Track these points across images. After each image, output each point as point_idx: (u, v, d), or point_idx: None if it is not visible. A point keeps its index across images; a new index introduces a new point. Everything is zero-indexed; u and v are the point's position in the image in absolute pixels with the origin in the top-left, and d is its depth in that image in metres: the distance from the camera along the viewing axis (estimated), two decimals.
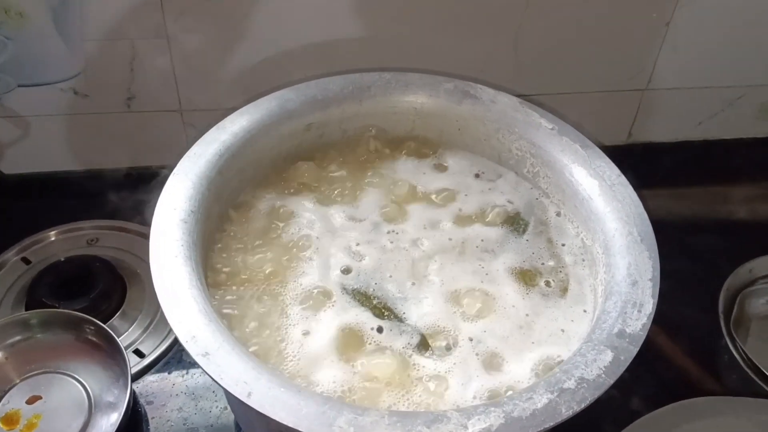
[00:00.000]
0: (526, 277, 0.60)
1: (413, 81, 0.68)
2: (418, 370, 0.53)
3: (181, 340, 0.47)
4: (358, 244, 0.61)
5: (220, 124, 0.63)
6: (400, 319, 0.56)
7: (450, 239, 0.62)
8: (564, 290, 0.59)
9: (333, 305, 0.57)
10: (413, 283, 0.58)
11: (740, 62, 0.90)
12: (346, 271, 0.59)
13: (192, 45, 0.77)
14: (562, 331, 0.56)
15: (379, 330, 0.55)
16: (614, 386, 0.48)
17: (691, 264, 0.84)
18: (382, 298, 0.57)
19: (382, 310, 0.57)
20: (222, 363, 0.46)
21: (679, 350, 0.76)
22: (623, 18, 0.82)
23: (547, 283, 0.59)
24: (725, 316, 0.75)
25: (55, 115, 0.82)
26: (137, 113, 0.83)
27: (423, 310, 0.57)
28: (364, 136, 0.69)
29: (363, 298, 0.57)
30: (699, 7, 0.83)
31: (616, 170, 0.61)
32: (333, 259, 0.60)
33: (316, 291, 0.57)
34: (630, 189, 0.60)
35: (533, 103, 0.68)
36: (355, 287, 0.58)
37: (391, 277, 0.59)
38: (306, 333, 0.55)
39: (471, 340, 0.55)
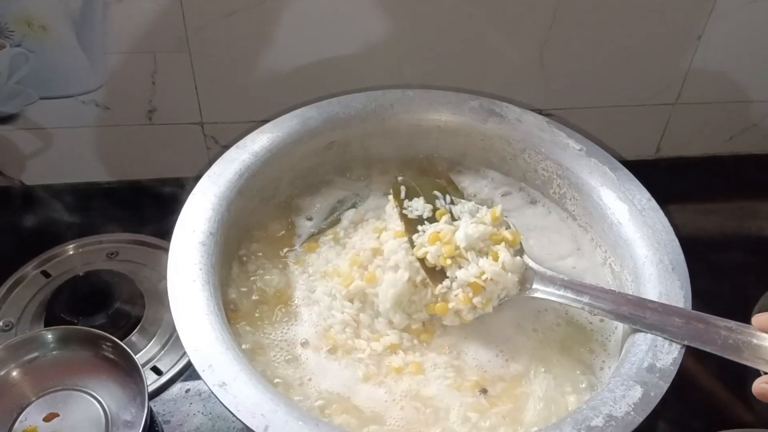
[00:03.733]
0: None
1: (437, 98, 0.67)
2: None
3: (198, 369, 0.46)
4: None
5: (240, 143, 0.62)
6: None
7: None
8: None
9: None
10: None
11: None
12: None
13: (213, 59, 0.77)
14: None
15: None
16: None
17: (720, 283, 0.82)
18: None
19: None
20: (239, 394, 0.45)
21: (708, 376, 0.74)
22: (653, 32, 0.81)
23: None
24: None
25: (77, 128, 0.82)
26: (158, 126, 0.82)
27: None
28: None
29: None
30: (731, 21, 0.81)
31: (647, 194, 0.60)
32: None
33: None
34: (661, 214, 0.58)
35: (560, 118, 0.66)
36: None
37: None
38: None
39: None
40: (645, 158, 0.94)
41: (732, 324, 0.49)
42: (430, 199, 0.58)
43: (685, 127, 0.91)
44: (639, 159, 0.92)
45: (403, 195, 0.59)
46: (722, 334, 0.48)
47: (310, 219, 0.65)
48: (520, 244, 0.56)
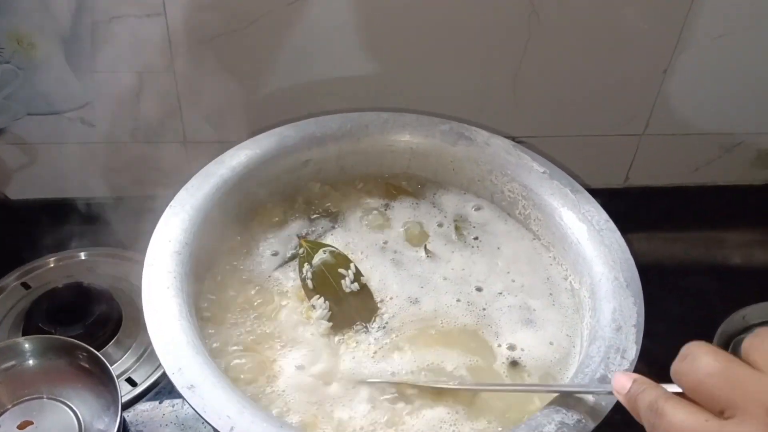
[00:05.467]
0: None
1: (410, 121, 0.70)
2: None
3: (168, 371, 0.48)
4: None
5: (219, 158, 0.64)
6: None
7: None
8: None
9: None
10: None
11: (738, 110, 0.90)
12: None
13: (197, 79, 0.79)
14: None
15: None
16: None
17: (684, 308, 0.84)
18: None
19: None
20: (206, 396, 0.47)
21: (659, 382, 0.76)
22: (621, 64, 0.83)
23: None
24: None
25: (62, 144, 0.83)
26: (142, 144, 0.84)
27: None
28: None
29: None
30: (696, 55, 0.84)
31: (605, 215, 0.62)
32: None
33: None
34: (617, 234, 0.60)
35: (531, 145, 0.69)
36: None
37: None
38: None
39: None
40: (614, 186, 0.96)
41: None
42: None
43: (653, 158, 0.93)
44: (608, 187, 0.95)
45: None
46: None
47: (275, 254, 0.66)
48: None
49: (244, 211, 0.65)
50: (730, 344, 0.78)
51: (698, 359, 0.36)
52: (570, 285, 0.62)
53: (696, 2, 0.79)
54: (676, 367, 0.37)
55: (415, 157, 0.70)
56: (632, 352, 0.52)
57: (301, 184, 0.69)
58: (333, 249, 0.61)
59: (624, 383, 0.40)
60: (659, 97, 0.87)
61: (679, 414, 0.36)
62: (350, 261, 0.61)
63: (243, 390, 0.51)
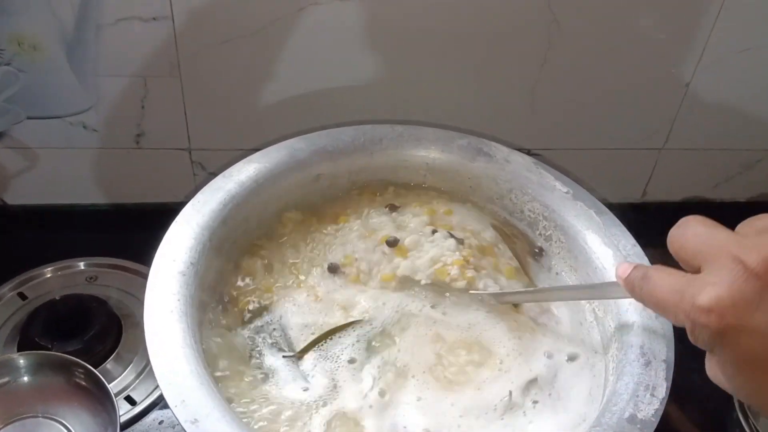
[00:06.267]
0: None
1: (426, 135, 0.67)
2: None
3: (170, 404, 0.45)
4: None
5: (227, 171, 0.61)
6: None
7: None
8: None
9: None
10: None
11: (760, 125, 0.88)
12: None
13: (204, 85, 0.77)
14: None
15: None
16: None
17: None
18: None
19: None
20: (211, 431, 0.44)
21: (688, 422, 0.74)
22: (642, 77, 0.81)
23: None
24: None
25: (63, 149, 0.81)
26: (146, 150, 0.82)
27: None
28: None
29: None
30: (720, 69, 0.82)
31: (632, 239, 0.59)
32: None
33: None
34: (646, 260, 0.58)
35: (548, 159, 0.66)
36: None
37: None
38: None
39: None
40: (631, 201, 0.94)
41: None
42: None
43: (672, 172, 0.92)
44: (625, 202, 0.93)
45: None
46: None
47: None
48: None
49: (252, 227, 0.62)
50: None
51: (688, 224, 0.40)
52: (594, 313, 0.59)
53: (721, 15, 0.77)
54: (671, 232, 0.40)
55: (431, 173, 0.67)
56: (662, 389, 0.49)
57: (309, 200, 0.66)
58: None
59: (626, 268, 0.44)
60: (681, 110, 0.85)
61: (662, 275, 0.40)
62: None
63: (248, 422, 0.48)
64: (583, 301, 0.61)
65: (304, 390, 0.53)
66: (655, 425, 0.47)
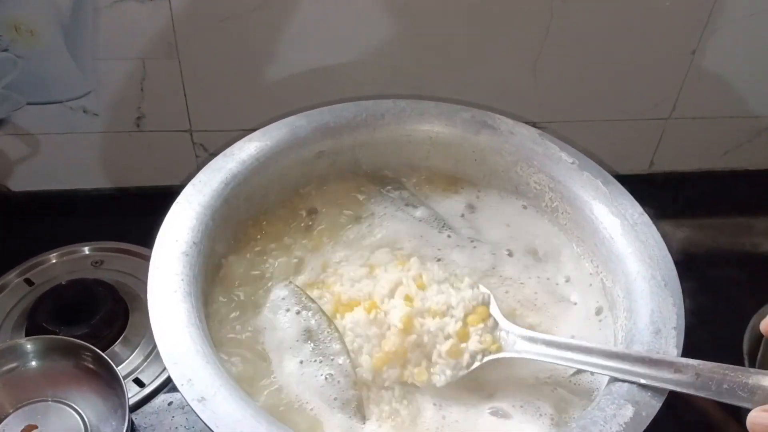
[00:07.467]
0: None
1: (429, 109, 0.66)
2: None
3: (177, 383, 0.45)
4: None
5: (227, 150, 0.61)
6: None
7: None
8: None
9: None
10: None
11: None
12: None
13: (203, 66, 0.76)
14: None
15: None
16: None
17: (713, 300, 0.80)
18: None
19: None
20: (218, 410, 0.44)
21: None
22: (647, 45, 0.80)
23: None
24: (750, 357, 0.72)
25: (64, 134, 0.80)
26: (146, 132, 0.81)
27: None
28: None
29: None
30: (726, 36, 0.80)
31: (639, 208, 0.59)
32: None
33: None
34: (653, 229, 0.57)
35: (553, 131, 0.65)
36: None
37: None
38: None
39: None
40: (638, 172, 0.93)
41: (722, 367, 0.45)
42: None
43: (680, 142, 0.90)
44: (632, 173, 0.92)
45: None
46: (715, 378, 0.44)
47: None
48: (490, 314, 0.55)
49: (254, 205, 0.62)
50: (763, 338, 0.74)
51: None
52: (601, 282, 0.59)
53: None
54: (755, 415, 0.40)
55: (434, 148, 0.67)
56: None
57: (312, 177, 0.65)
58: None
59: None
60: (687, 79, 0.84)
61: None
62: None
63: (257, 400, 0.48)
64: (589, 270, 0.60)
65: None
66: (666, 393, 0.47)
